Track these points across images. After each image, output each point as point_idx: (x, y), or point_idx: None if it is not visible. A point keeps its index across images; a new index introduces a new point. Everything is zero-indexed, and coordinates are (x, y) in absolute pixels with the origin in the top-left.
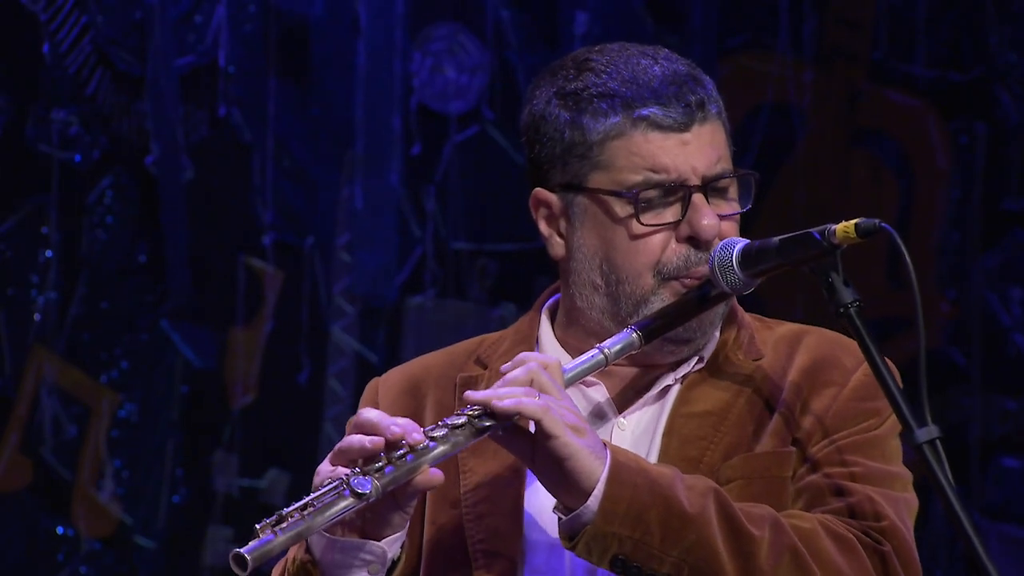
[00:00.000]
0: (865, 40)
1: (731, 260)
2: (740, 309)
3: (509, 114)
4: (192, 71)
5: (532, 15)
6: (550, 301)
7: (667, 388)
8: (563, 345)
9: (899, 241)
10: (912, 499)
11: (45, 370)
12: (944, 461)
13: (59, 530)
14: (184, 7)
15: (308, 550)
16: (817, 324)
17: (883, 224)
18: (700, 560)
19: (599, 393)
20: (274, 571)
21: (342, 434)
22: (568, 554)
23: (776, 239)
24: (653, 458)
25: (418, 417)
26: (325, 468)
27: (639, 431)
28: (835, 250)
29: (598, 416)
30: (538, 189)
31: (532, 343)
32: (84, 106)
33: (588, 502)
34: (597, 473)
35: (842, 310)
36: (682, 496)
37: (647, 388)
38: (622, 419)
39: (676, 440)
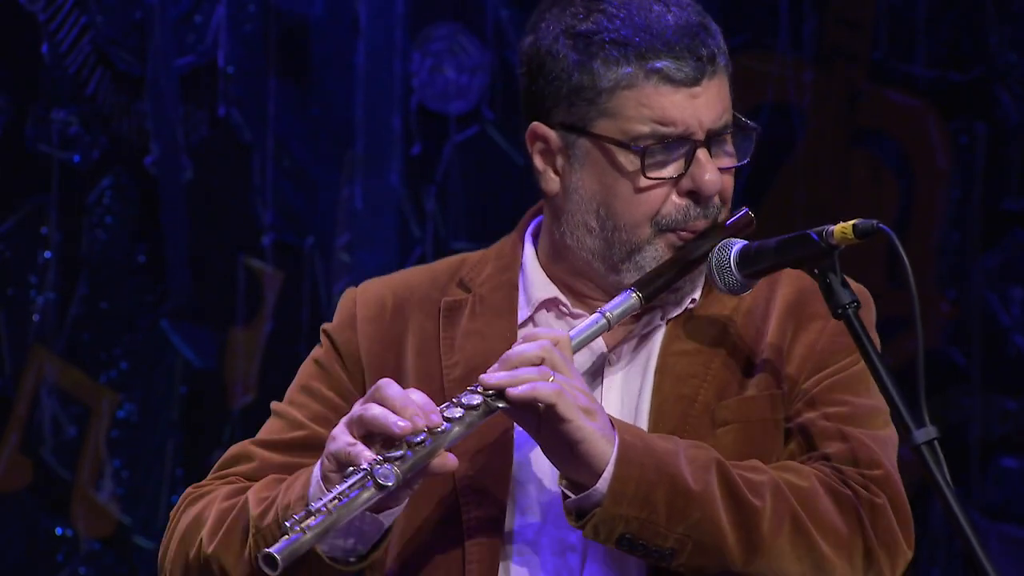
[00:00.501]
0: (865, 40)
1: (729, 261)
2: None
3: (509, 114)
4: (192, 71)
5: (532, 15)
6: (532, 225)
7: (657, 327)
8: (548, 275)
9: (896, 242)
10: (894, 435)
11: (45, 370)
12: (942, 462)
13: (58, 530)
14: (184, 7)
15: None
16: None
17: (881, 225)
18: (704, 535)
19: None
20: (250, 493)
21: None
22: (556, 493)
23: (774, 240)
24: (646, 395)
25: (399, 342)
26: (343, 437)
27: (629, 367)
28: (833, 251)
29: (589, 351)
30: (536, 123)
31: (516, 270)
32: (84, 106)
33: (597, 484)
34: (607, 455)
35: (840, 311)
36: (687, 473)
37: (633, 324)
38: (611, 355)
39: (669, 378)
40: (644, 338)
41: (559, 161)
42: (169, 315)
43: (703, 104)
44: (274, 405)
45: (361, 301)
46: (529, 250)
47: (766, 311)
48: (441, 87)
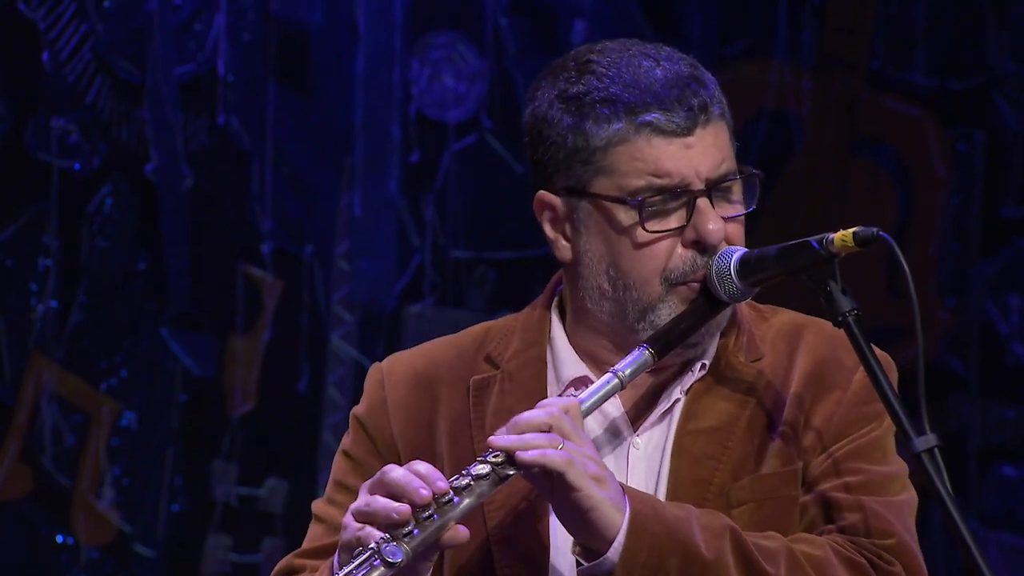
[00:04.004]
0: (864, 48)
1: (729, 269)
2: (737, 305)
3: (508, 122)
4: (192, 79)
5: (530, 23)
6: (556, 295)
7: (676, 401)
8: (574, 348)
9: (897, 250)
10: (912, 497)
11: (45, 378)
12: (943, 470)
13: (59, 538)
14: (184, 15)
15: None
16: None
17: (881, 233)
18: None
19: (614, 406)
20: None
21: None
22: None
23: (774, 248)
24: (664, 479)
25: (431, 423)
26: (352, 525)
27: (651, 449)
28: (833, 259)
29: (614, 433)
30: (542, 192)
31: (543, 345)
32: (84, 114)
33: (608, 553)
34: (617, 523)
35: (840, 319)
36: (700, 541)
37: (656, 398)
38: (636, 438)
39: (686, 460)
40: (665, 415)
41: (567, 228)
42: (169, 323)
43: (698, 154)
44: (314, 507)
45: (389, 382)
46: (557, 324)
47: (785, 380)
48: (440, 95)
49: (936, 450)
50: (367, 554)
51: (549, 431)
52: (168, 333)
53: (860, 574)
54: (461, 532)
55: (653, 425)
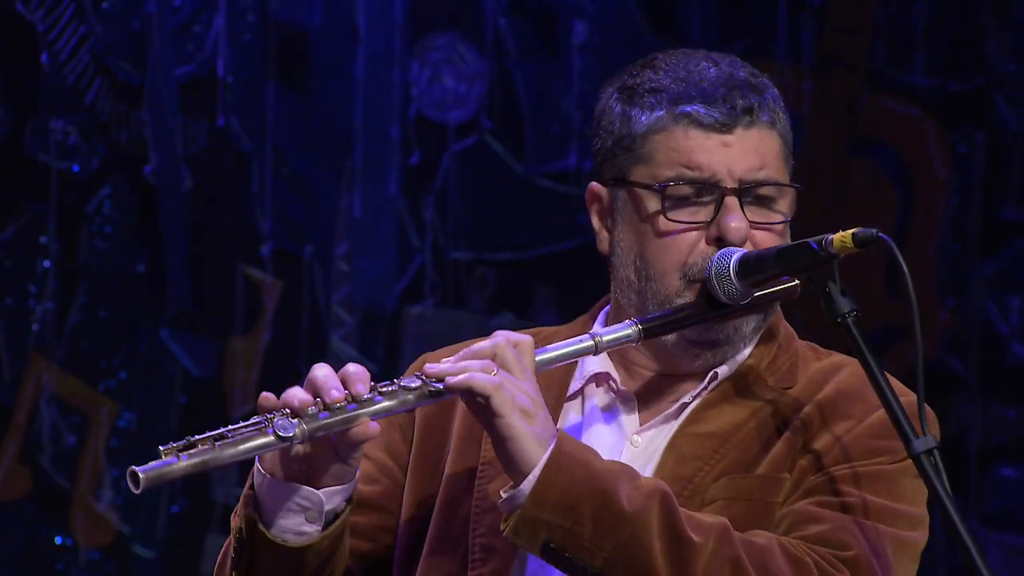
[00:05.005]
0: (864, 49)
1: (728, 269)
2: (793, 334)
3: (508, 123)
4: (191, 80)
5: (530, 24)
6: (606, 308)
7: (685, 405)
8: (608, 351)
9: (896, 251)
10: (911, 537)
11: (44, 379)
12: (942, 471)
13: (58, 540)
14: (183, 17)
15: (253, 486)
16: (814, 333)
17: (880, 234)
18: (633, 558)
19: (628, 405)
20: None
21: None
22: None
23: (773, 249)
24: (650, 473)
25: (450, 411)
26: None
27: (650, 448)
28: (832, 260)
29: (618, 431)
30: (592, 183)
31: None
32: (83, 115)
33: (522, 485)
34: (536, 458)
35: (839, 320)
36: (622, 493)
37: (669, 402)
38: (636, 437)
39: (674, 457)
40: (674, 416)
41: (608, 220)
42: (168, 324)
43: (736, 153)
44: None
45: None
46: (597, 328)
47: (805, 403)
48: (439, 96)
49: (935, 451)
50: (260, 421)
51: (492, 359)
52: (168, 334)
53: (801, 571)
54: (372, 428)
55: (658, 426)
